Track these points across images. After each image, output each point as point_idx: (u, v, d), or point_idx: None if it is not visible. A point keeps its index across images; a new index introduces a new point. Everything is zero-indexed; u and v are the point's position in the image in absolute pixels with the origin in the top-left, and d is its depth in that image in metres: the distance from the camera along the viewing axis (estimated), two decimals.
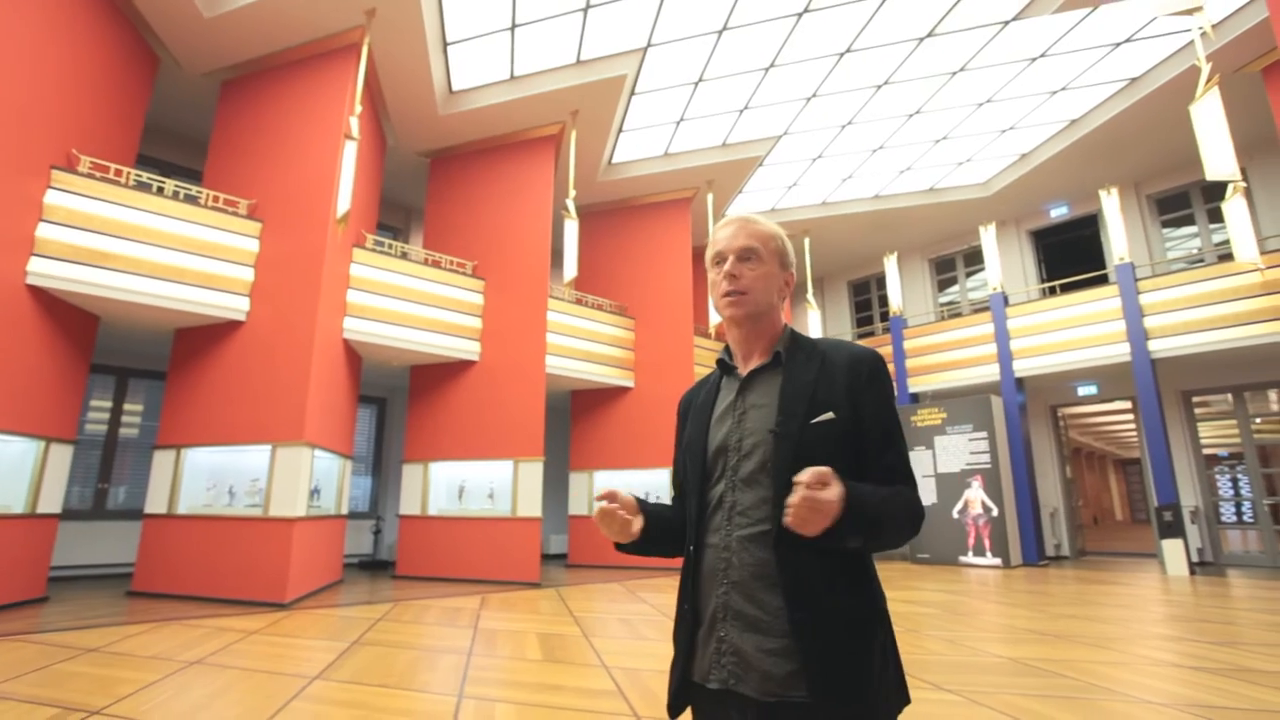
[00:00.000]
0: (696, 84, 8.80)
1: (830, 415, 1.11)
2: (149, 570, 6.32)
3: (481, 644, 4.50)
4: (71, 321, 6.15)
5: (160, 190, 6.55)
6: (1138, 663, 4.02)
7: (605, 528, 1.20)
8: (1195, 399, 10.44)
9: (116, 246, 6.08)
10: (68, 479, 6.17)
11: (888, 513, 1.06)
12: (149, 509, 6.51)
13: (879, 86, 8.98)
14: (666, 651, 4.37)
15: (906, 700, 1.11)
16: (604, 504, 1.19)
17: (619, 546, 1.27)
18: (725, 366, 1.31)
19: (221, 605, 5.80)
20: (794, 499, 0.97)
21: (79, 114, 6.22)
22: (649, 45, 8.05)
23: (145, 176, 6.54)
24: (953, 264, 13.60)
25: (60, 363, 6.00)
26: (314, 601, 6.21)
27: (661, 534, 1.28)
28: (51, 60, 5.83)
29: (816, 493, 0.96)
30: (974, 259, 13.02)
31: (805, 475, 0.97)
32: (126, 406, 8.69)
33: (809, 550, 1.06)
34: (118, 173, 6.33)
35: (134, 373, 8.72)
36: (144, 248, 6.24)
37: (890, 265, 12.54)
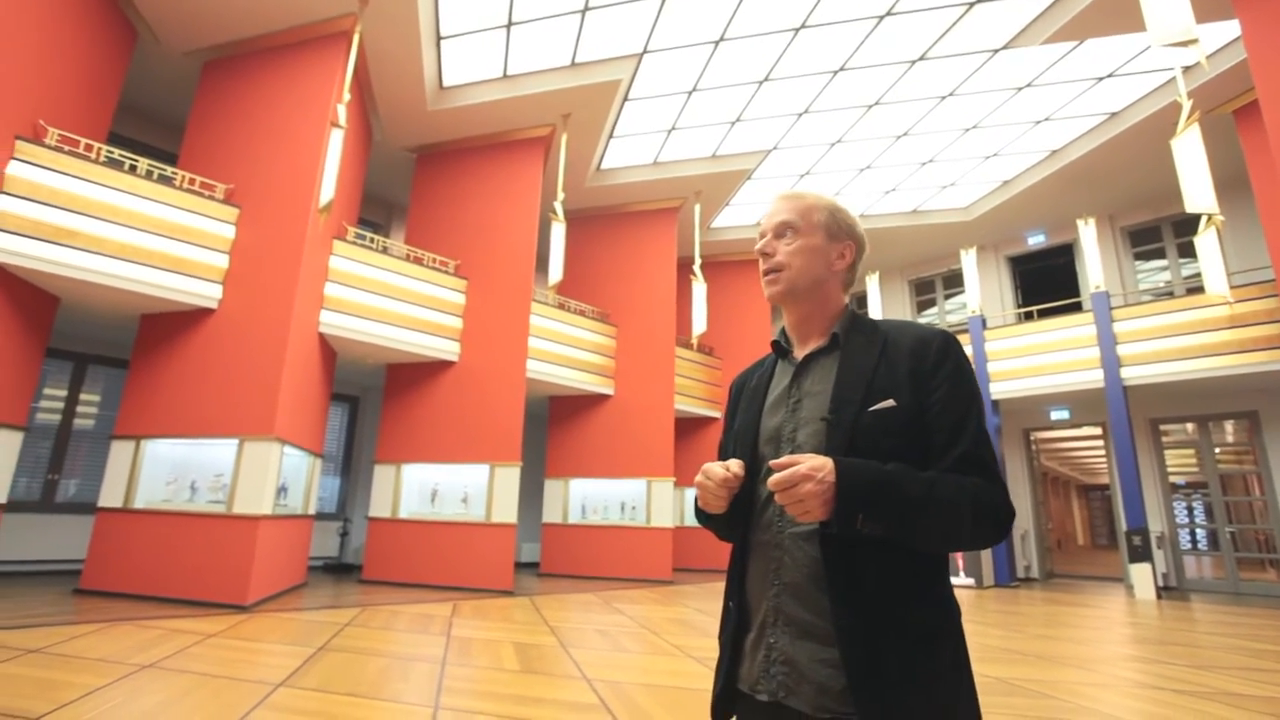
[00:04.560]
0: (690, 94, 8.80)
1: (890, 403, 1.00)
2: (100, 567, 5.96)
3: (455, 652, 4.31)
4: (29, 301, 5.82)
5: (133, 169, 6.27)
6: (1122, 685, 4.01)
7: (707, 494, 1.07)
8: (1161, 427, 10.70)
9: (82, 224, 5.78)
10: (15, 468, 5.81)
11: (936, 500, 0.92)
12: (103, 502, 6.15)
13: (869, 107, 9.09)
14: (649, 665, 4.27)
15: None
16: (725, 473, 1.04)
17: (699, 516, 1.19)
18: (780, 349, 1.21)
19: (178, 606, 5.49)
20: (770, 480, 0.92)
21: (48, 84, 5.92)
22: (645, 51, 8.02)
23: (117, 153, 6.26)
24: (933, 285, 13.80)
25: (14, 344, 5.66)
26: (277, 604, 5.92)
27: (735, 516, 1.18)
28: (20, 25, 5.54)
29: (789, 471, 0.90)
30: (953, 282, 13.24)
31: (781, 460, 0.93)
32: (83, 395, 8.27)
33: (864, 548, 0.95)
34: (88, 148, 6.04)
35: (93, 359, 8.31)
36: (112, 227, 5.94)
37: (871, 285, 12.67)
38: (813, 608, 0.98)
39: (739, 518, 1.12)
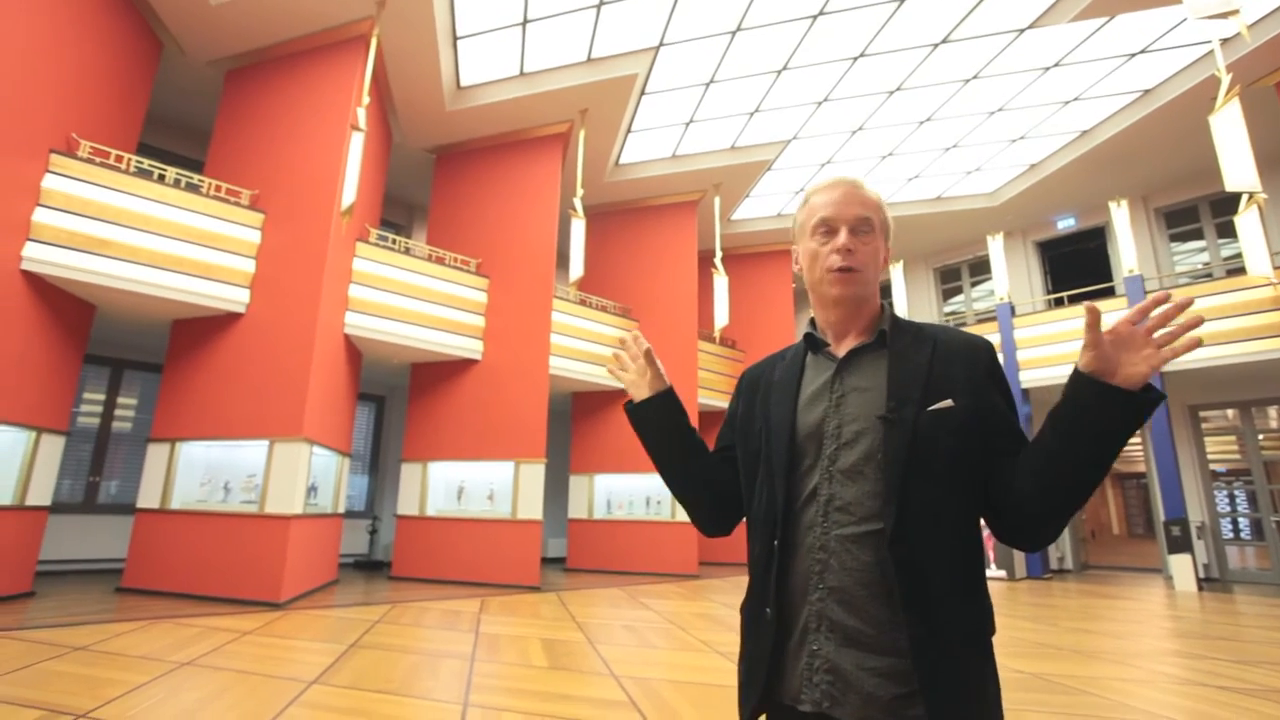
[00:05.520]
0: (707, 85, 8.72)
1: (949, 403, 0.99)
2: (140, 566, 6.14)
3: (484, 649, 4.35)
4: (66, 309, 6.00)
5: (161, 178, 6.40)
6: (1162, 680, 3.90)
7: (619, 366, 1.26)
8: (1201, 414, 10.37)
9: (115, 234, 5.93)
10: (58, 471, 6.00)
11: None
12: (141, 503, 6.33)
13: (891, 92, 8.92)
14: (676, 661, 4.26)
15: None
16: (625, 337, 1.21)
17: (627, 407, 1.27)
18: (815, 342, 1.16)
19: (214, 604, 5.63)
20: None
21: (79, 98, 6.08)
22: (661, 45, 7.96)
23: (146, 163, 6.40)
24: (958, 273, 13.54)
25: (54, 351, 5.84)
26: (309, 602, 6.04)
27: (674, 435, 1.24)
28: (52, 42, 5.69)
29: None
30: (979, 269, 12.96)
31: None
32: (120, 399, 8.51)
33: (930, 552, 0.94)
34: (118, 159, 6.19)
35: (129, 364, 8.55)
36: (143, 236, 6.09)
37: (895, 273, 12.45)
38: (860, 614, 0.95)
39: (764, 524, 1.08)
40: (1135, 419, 0.85)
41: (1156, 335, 0.83)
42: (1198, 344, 0.82)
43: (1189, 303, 0.84)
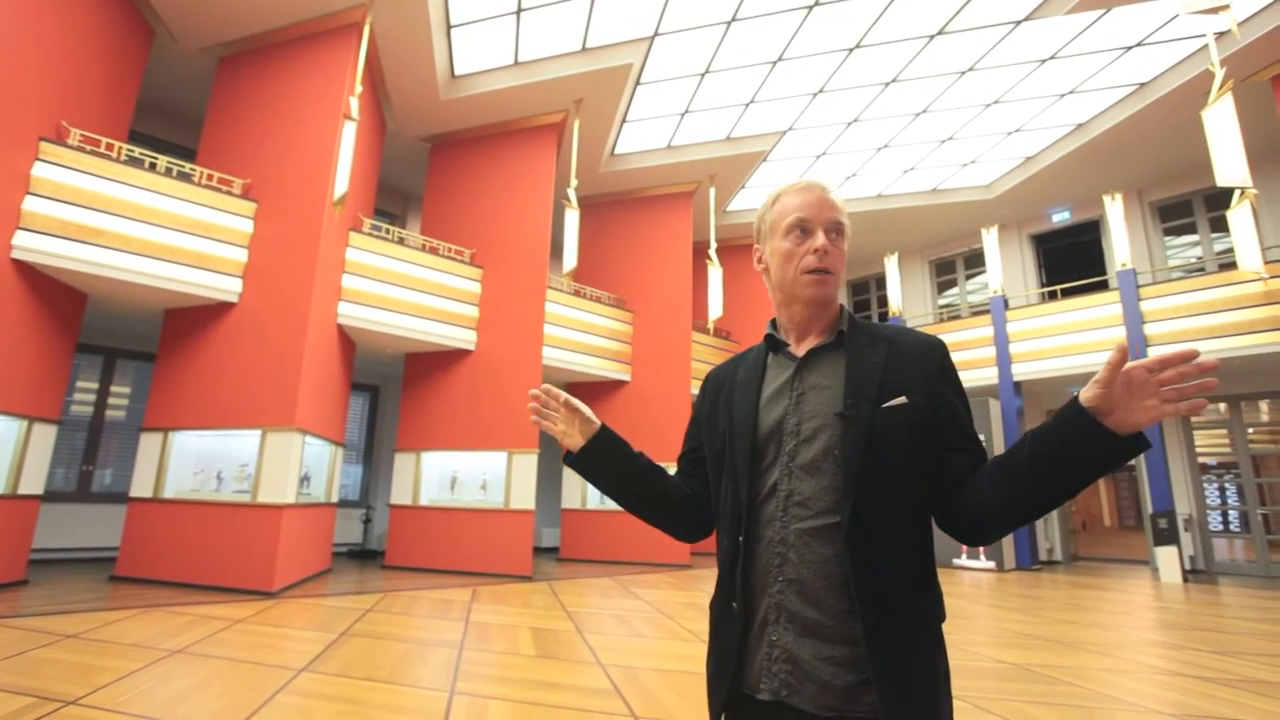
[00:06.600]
0: (703, 75, 8.68)
1: (903, 400, 1.02)
2: (134, 555, 6.17)
3: (473, 638, 4.39)
4: (58, 298, 5.99)
5: (153, 166, 6.38)
6: (1142, 671, 3.96)
7: (539, 418, 1.25)
8: None
9: (106, 222, 5.91)
10: (51, 460, 6.01)
11: None
12: (134, 492, 6.35)
13: (886, 84, 8.89)
14: (663, 650, 4.31)
15: None
16: (536, 391, 1.22)
17: (566, 458, 1.26)
18: (775, 342, 1.19)
19: (207, 592, 5.67)
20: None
21: (70, 85, 6.03)
22: (656, 34, 7.92)
23: (138, 152, 6.37)
24: (953, 266, 13.55)
25: (45, 340, 5.83)
26: (301, 590, 6.08)
27: (622, 471, 1.25)
28: (41, 29, 5.64)
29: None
30: (974, 261, 12.98)
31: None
32: (114, 388, 8.51)
33: (884, 544, 0.97)
34: (109, 147, 6.16)
35: (122, 353, 8.54)
36: (135, 225, 6.07)
37: (891, 265, 12.48)
38: (818, 604, 0.98)
39: (728, 519, 1.10)
40: (1114, 462, 0.85)
41: (1166, 389, 0.82)
42: (1203, 407, 0.81)
43: (1213, 367, 0.80)
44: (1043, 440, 0.90)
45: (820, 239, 1.09)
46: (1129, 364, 0.83)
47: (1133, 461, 16.93)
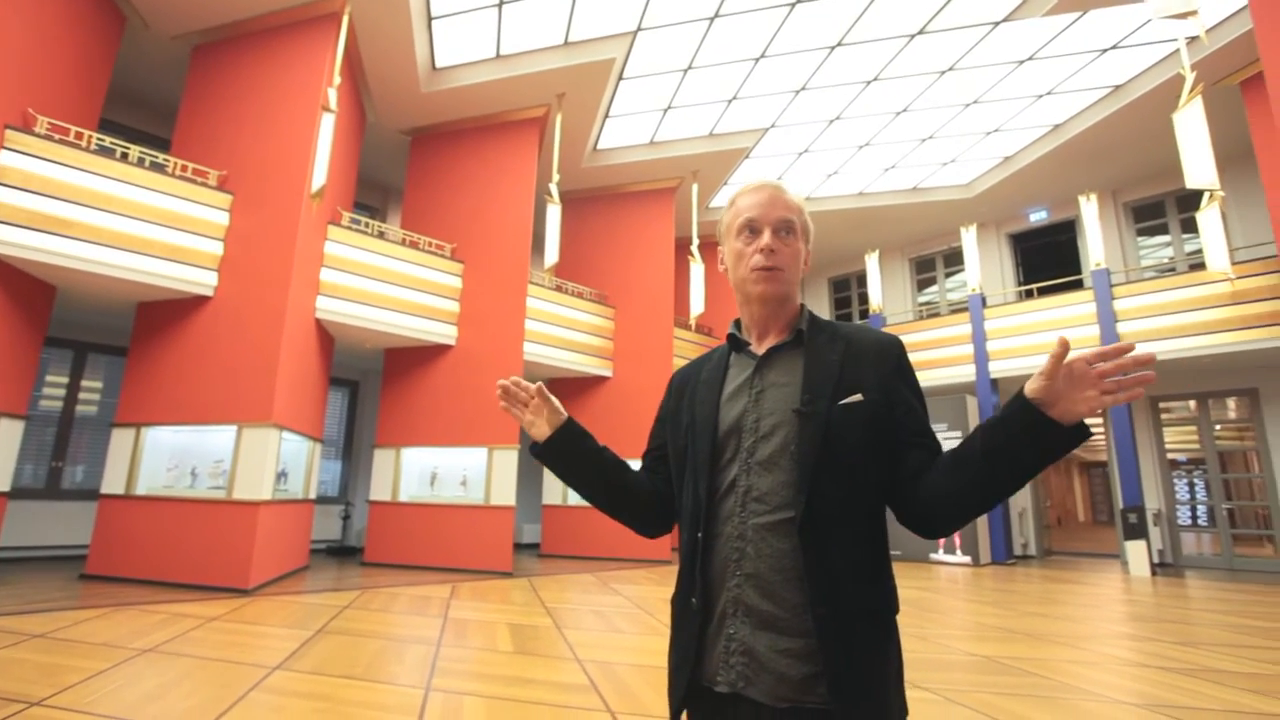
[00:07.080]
0: (685, 71, 8.68)
1: (859, 397, 1.04)
2: (105, 553, 6.06)
3: (451, 634, 4.38)
4: (25, 290, 5.84)
5: (124, 156, 6.25)
6: (1108, 662, 4.06)
7: (508, 403, 1.27)
8: (1161, 404, 10.67)
9: (76, 213, 5.77)
10: (18, 456, 5.88)
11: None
12: (105, 489, 6.24)
13: (868, 82, 8.95)
14: (640, 645, 4.33)
15: (906, 712, 1.04)
16: (505, 382, 1.25)
17: (533, 449, 1.27)
18: (737, 342, 1.21)
19: (180, 590, 5.59)
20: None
21: (36, 72, 5.88)
22: (639, 29, 7.89)
23: (109, 141, 6.24)
24: (933, 264, 13.70)
25: (12, 333, 5.70)
26: (278, 588, 6.02)
27: (586, 464, 1.26)
28: (6, 12, 5.49)
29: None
30: (954, 260, 13.13)
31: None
32: (84, 382, 8.34)
33: (838, 538, 0.99)
34: (78, 135, 6.02)
35: (93, 347, 8.37)
36: (106, 216, 5.94)
37: (871, 263, 12.59)
38: (774, 598, 1.00)
39: (690, 516, 1.12)
40: (1058, 451, 0.88)
41: (1106, 381, 0.85)
42: (1139, 396, 0.84)
43: (1150, 359, 0.85)
44: (992, 432, 0.92)
45: (766, 238, 1.12)
46: (1070, 357, 0.86)
47: (1105, 457, 17.21)
